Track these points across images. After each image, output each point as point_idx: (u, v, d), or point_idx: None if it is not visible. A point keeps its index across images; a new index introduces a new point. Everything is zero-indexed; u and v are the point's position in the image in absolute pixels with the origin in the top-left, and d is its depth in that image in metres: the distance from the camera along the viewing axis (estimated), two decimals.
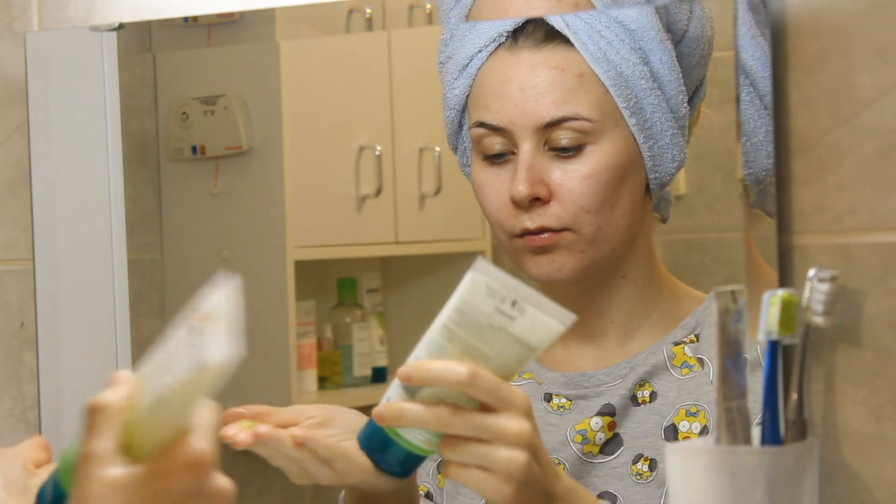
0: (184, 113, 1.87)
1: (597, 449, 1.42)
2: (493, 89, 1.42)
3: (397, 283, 2.03)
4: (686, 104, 1.41)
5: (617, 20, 1.38)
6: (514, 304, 1.22)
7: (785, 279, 1.27)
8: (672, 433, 1.39)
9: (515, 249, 1.43)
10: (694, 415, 1.39)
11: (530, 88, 1.39)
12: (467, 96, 1.44)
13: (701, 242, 1.63)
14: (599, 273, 1.43)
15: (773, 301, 1.17)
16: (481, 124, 1.42)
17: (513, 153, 1.41)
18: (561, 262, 1.41)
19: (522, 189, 1.39)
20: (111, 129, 1.62)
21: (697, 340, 1.42)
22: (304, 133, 1.94)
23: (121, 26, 1.58)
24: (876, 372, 1.24)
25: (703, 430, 1.38)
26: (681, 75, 1.40)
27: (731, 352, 1.17)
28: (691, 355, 1.42)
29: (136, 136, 1.77)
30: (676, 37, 1.41)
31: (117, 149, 1.62)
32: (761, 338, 1.18)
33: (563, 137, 1.39)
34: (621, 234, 1.41)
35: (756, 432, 1.18)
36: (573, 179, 1.39)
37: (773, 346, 1.18)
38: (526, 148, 1.40)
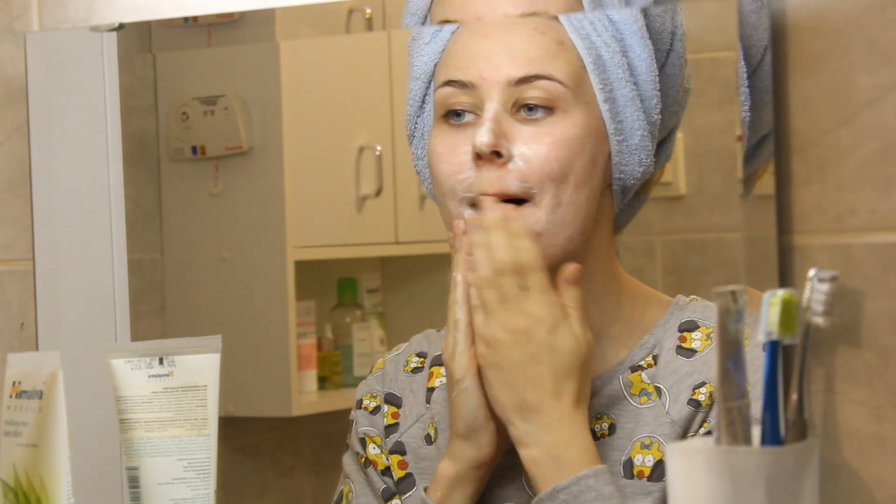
0: (184, 113, 1.87)
1: None
2: (465, 48, 1.36)
3: (397, 283, 2.03)
4: (659, 112, 1.37)
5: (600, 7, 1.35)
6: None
7: (785, 279, 1.27)
8: (629, 468, 1.35)
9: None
10: (647, 447, 1.35)
11: (505, 44, 1.34)
12: (436, 64, 1.38)
13: (701, 242, 1.63)
14: (552, 277, 1.34)
15: (773, 301, 1.17)
16: (449, 82, 1.36)
17: (477, 116, 1.35)
18: None
19: (485, 137, 1.32)
20: (111, 129, 1.61)
21: (655, 364, 1.38)
22: (304, 133, 1.94)
23: (121, 26, 1.58)
24: (876, 372, 1.24)
25: (658, 465, 1.34)
26: (658, 79, 1.36)
27: (731, 352, 1.17)
28: (649, 382, 1.37)
29: (136, 136, 1.77)
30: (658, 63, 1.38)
31: (117, 149, 1.62)
32: (761, 338, 1.18)
33: (533, 96, 1.33)
34: (582, 221, 1.34)
35: (756, 432, 1.18)
36: (539, 143, 1.33)
37: (773, 346, 1.18)
38: (492, 105, 1.33)
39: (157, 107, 1.84)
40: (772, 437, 1.18)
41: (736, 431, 1.17)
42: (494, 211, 1.32)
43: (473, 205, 1.35)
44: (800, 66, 1.27)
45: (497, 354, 1.30)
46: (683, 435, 1.34)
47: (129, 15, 1.58)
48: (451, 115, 1.36)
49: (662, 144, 1.40)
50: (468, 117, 1.36)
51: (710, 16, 1.42)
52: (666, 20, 1.37)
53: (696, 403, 1.35)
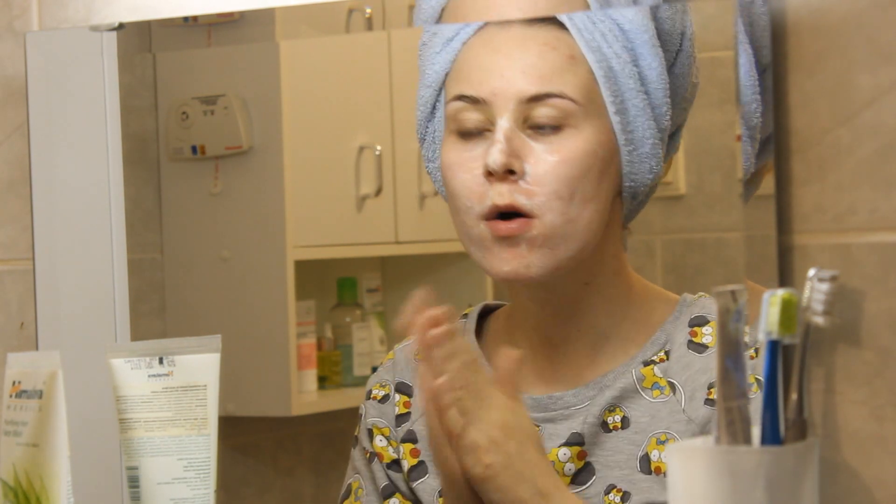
0: (184, 113, 1.87)
1: (567, 479, 1.38)
2: (477, 61, 1.37)
3: (397, 283, 2.03)
4: (668, 118, 1.38)
5: (611, 17, 1.35)
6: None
7: (785, 279, 1.27)
8: (646, 463, 1.36)
9: (480, 241, 1.36)
10: (663, 443, 1.36)
11: (518, 60, 1.35)
12: (447, 74, 1.39)
13: (701, 242, 1.63)
14: (562, 279, 1.38)
15: (773, 301, 1.17)
16: (460, 97, 1.37)
17: (489, 131, 1.36)
18: (528, 260, 1.35)
19: (498, 158, 1.33)
20: (111, 129, 1.62)
21: (668, 359, 1.39)
22: (304, 133, 1.94)
23: (121, 26, 1.58)
24: (876, 372, 1.24)
25: None
26: (668, 86, 1.37)
27: (731, 352, 1.17)
28: (661, 376, 1.38)
29: (136, 136, 1.77)
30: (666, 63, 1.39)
31: (117, 149, 1.62)
32: (761, 338, 1.18)
33: (545, 115, 1.35)
34: (590, 234, 1.36)
35: (756, 432, 1.18)
36: (549, 162, 1.34)
37: (773, 346, 1.18)
38: (503, 122, 1.34)
39: (156, 107, 1.85)
40: (772, 436, 1.18)
41: (736, 431, 1.17)
42: (434, 330, 1.27)
43: (488, 217, 1.36)
44: (800, 66, 1.27)
45: (502, 454, 1.27)
46: (701, 434, 1.35)
47: (129, 15, 1.58)
48: (464, 132, 1.38)
49: (670, 139, 1.41)
50: (481, 133, 1.37)
51: (710, 15, 1.42)
52: (676, 21, 1.38)
53: (713, 403, 1.35)
